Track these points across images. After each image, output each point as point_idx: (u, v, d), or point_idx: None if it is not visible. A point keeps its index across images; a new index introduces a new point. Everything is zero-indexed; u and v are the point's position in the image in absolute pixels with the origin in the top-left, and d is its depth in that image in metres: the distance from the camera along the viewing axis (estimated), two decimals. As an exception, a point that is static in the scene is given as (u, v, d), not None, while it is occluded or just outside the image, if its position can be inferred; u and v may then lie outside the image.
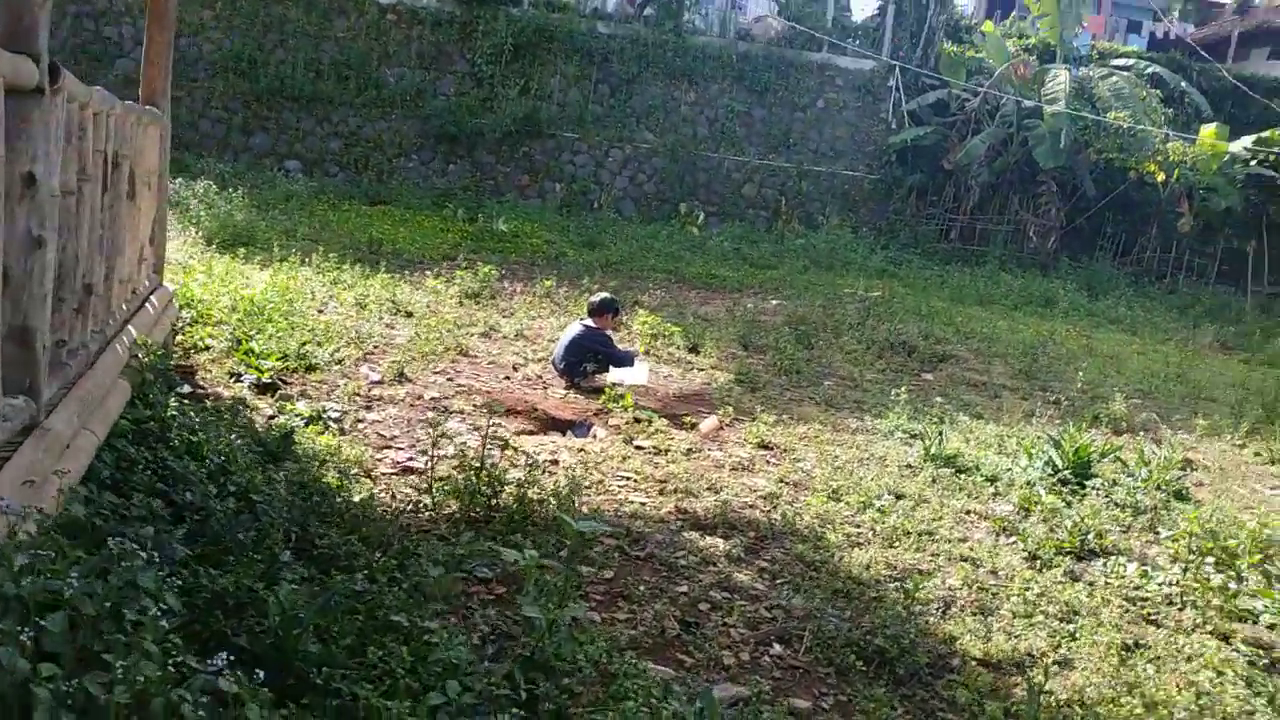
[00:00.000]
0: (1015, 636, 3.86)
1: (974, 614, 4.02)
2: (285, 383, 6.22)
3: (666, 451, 5.84)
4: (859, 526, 4.91)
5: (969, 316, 14.27)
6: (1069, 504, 5.67)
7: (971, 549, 4.80)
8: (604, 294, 7.73)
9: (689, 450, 5.97)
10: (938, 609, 3.89)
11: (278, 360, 6.40)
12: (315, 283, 9.93)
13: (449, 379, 7.11)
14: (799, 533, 4.67)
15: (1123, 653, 3.79)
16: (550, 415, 6.57)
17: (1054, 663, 3.68)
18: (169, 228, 11.00)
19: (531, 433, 6.17)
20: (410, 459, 5.07)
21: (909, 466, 6.22)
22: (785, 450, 6.27)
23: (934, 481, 5.87)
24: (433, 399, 6.46)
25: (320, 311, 8.78)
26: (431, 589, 3.01)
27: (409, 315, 9.18)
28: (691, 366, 8.90)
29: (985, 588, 4.28)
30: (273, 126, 19.11)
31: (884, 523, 4.94)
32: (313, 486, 4.06)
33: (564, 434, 6.48)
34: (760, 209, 21.60)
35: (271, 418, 5.44)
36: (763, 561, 4.27)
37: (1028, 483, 5.96)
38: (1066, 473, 5.95)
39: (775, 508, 4.98)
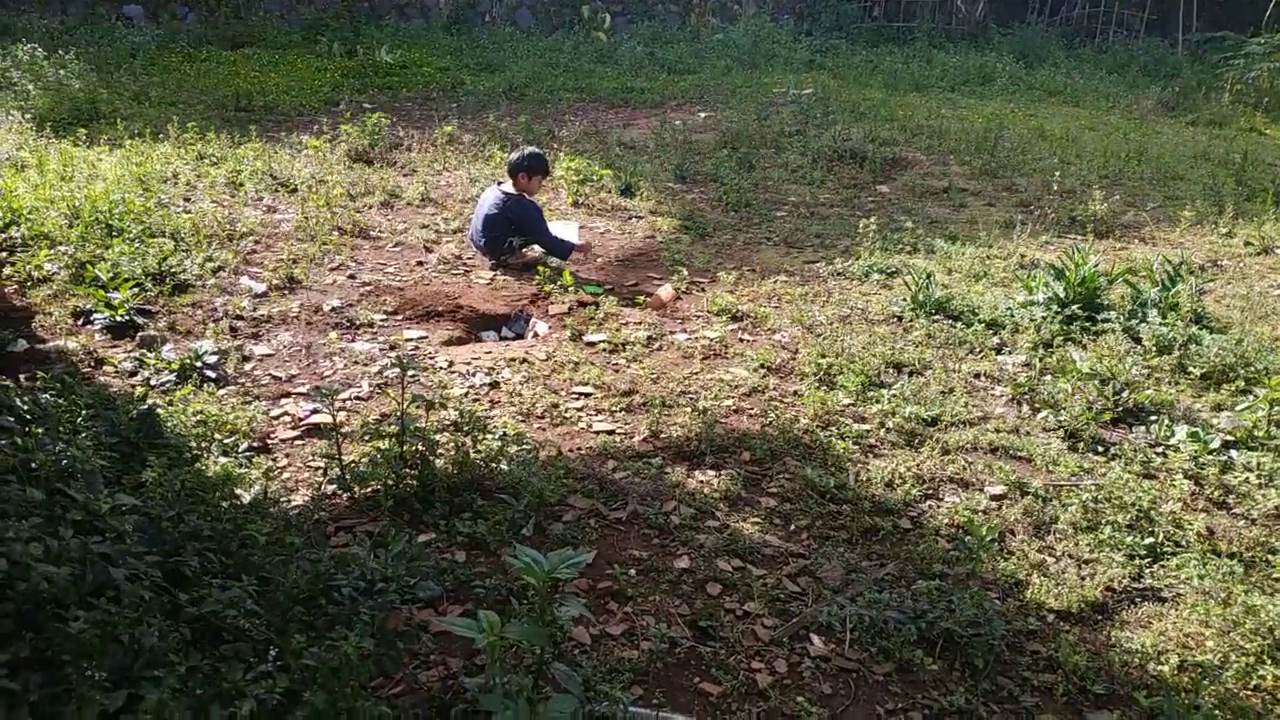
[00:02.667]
0: (1086, 565, 3.21)
1: (1030, 536, 3.36)
2: (148, 315, 5.06)
3: (624, 346, 4.94)
4: (865, 422, 4.16)
5: (909, 107, 13.23)
6: (1084, 346, 5.00)
7: (998, 432, 4.11)
8: (527, 149, 6.50)
9: (649, 338, 5.08)
10: (991, 540, 3.21)
11: (135, 286, 5.20)
12: (176, 161, 8.41)
13: (350, 275, 5.98)
14: (801, 445, 3.89)
15: (1224, 576, 3.14)
16: (478, 311, 5.56)
17: (1141, 597, 3.06)
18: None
19: (460, 340, 5.18)
20: (315, 409, 4.08)
21: (897, 318, 5.45)
22: (756, 319, 5.42)
23: (930, 338, 5.12)
24: (333, 309, 5.37)
25: (186, 200, 7.39)
26: (357, 670, 2.17)
27: (292, 190, 7.83)
28: (629, 215, 7.85)
29: (1031, 490, 3.61)
30: (99, -36, 16.26)
31: (891, 410, 4.19)
32: (186, 493, 3.10)
33: (498, 332, 5.51)
34: (669, 4, 19.65)
35: (132, 375, 4.35)
36: (768, 497, 3.51)
37: (1033, 323, 5.25)
38: (1075, 307, 5.25)
39: (765, 412, 4.18)
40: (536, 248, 6.53)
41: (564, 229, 6.69)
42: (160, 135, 9.16)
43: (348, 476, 3.31)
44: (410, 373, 3.46)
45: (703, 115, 12.48)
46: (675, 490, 3.49)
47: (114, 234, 6.11)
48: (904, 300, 5.62)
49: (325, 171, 8.35)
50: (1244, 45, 17.19)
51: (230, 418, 3.82)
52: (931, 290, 5.52)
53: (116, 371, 4.38)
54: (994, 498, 3.55)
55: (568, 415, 4.14)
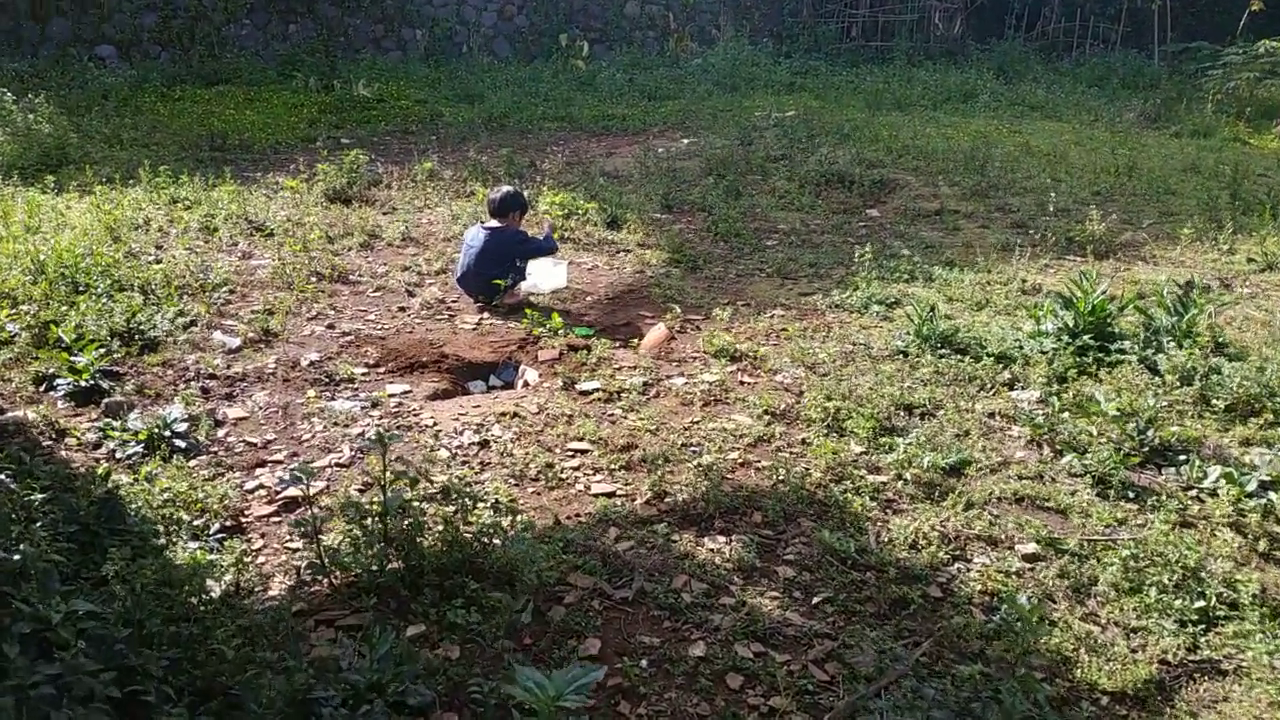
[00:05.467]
0: (1135, 634, 2.97)
1: (1071, 602, 3.12)
2: (114, 377, 4.77)
3: (620, 394, 4.69)
4: (880, 473, 3.92)
5: (893, 127, 13.12)
6: (1100, 379, 4.78)
7: (1021, 479, 3.88)
8: (505, 188, 6.27)
9: (645, 384, 4.83)
10: (1030, 599, 2.95)
11: (100, 348, 4.91)
12: (148, 207, 8.14)
13: (329, 325, 5.72)
14: (815, 502, 3.65)
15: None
16: (464, 359, 5.30)
17: (1200, 670, 2.83)
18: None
19: (446, 393, 4.92)
20: (291, 480, 3.80)
21: (902, 354, 5.22)
22: (756, 359, 5.18)
23: (939, 375, 4.89)
24: (311, 363, 5.10)
25: (158, 248, 7.12)
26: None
27: (268, 235, 7.56)
28: (616, 248, 7.63)
29: (1065, 548, 3.37)
30: (70, 7, 15.97)
31: (907, 460, 3.95)
32: (149, 590, 2.82)
33: (486, 382, 5.25)
34: (648, 29, 19.60)
35: (96, 446, 4.07)
36: (785, 566, 3.25)
37: (1043, 355, 5.04)
38: (1086, 337, 5.04)
39: (774, 466, 3.93)
40: (523, 286, 6.29)
41: (554, 269, 6.46)
42: (132, 180, 8.89)
43: (327, 562, 3.03)
44: (392, 436, 3.19)
45: (685, 141, 12.32)
46: (684, 562, 3.23)
47: (80, 289, 5.83)
48: (907, 334, 5.40)
49: (302, 213, 8.10)
50: (1221, 55, 17.24)
51: (200, 495, 3.54)
52: (936, 323, 5.31)
53: (79, 444, 4.09)
54: (1026, 558, 3.31)
55: (563, 476, 3.88)
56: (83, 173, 9.01)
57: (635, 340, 5.54)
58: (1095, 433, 4.09)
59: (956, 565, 3.28)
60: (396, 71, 16.32)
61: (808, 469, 3.92)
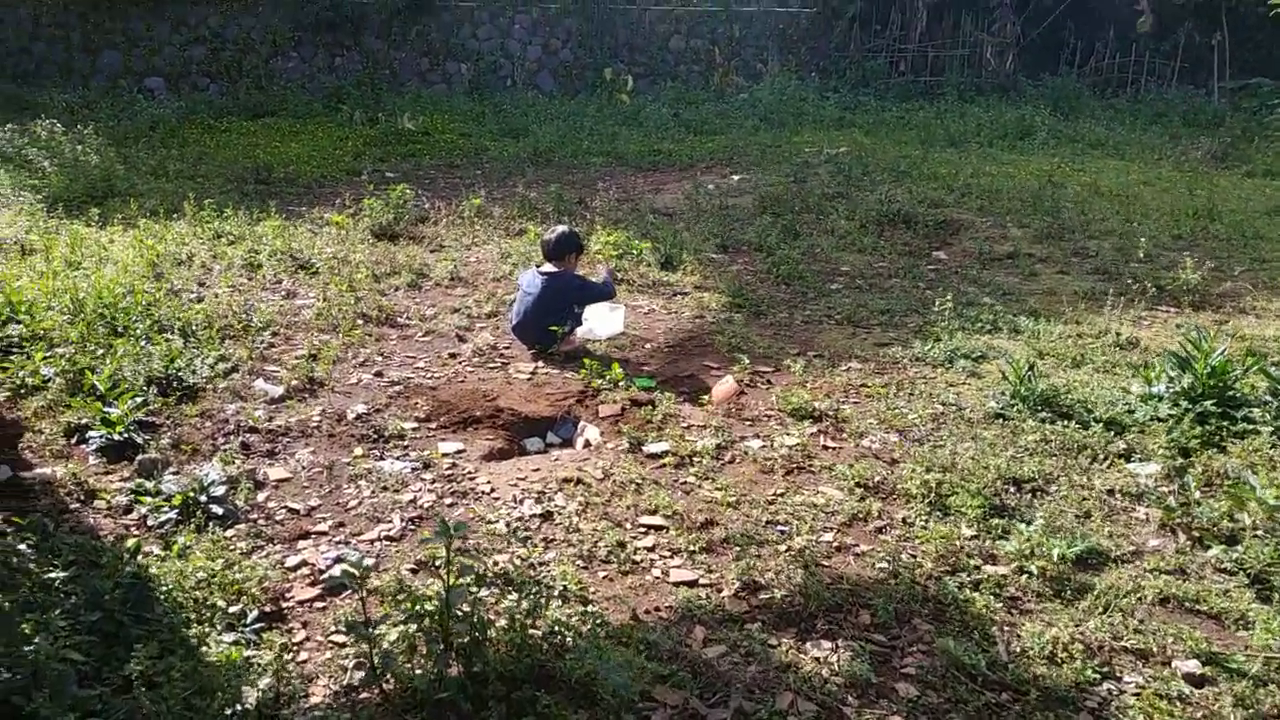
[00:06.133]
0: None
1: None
2: (150, 429, 4.45)
3: (691, 459, 4.28)
4: (997, 562, 3.46)
5: (950, 164, 12.70)
6: (1228, 453, 4.29)
7: (1158, 573, 3.40)
8: (559, 228, 5.93)
9: (718, 447, 4.41)
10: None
11: (136, 396, 4.60)
12: (192, 241, 7.92)
13: (376, 373, 5.38)
14: (930, 600, 3.20)
15: None
16: (520, 414, 4.93)
17: None
18: (-10, 196, 8.79)
19: (502, 452, 4.53)
20: (340, 555, 3.43)
21: (1000, 418, 4.76)
22: (838, 421, 4.75)
23: (1045, 442, 4.43)
24: (358, 416, 4.75)
25: (201, 285, 6.86)
26: None
27: (313, 272, 7.29)
28: (672, 291, 7.25)
29: (1234, 666, 2.89)
30: (121, 40, 16.11)
31: (1029, 548, 3.48)
32: (178, 695, 2.44)
33: (543, 439, 4.87)
34: (693, 64, 19.41)
35: (127, 511, 3.73)
36: (906, 682, 2.80)
37: (1159, 422, 4.56)
38: (1208, 403, 4.55)
39: (875, 552, 3.49)
40: (579, 332, 5.93)
41: (611, 314, 6.09)
42: (176, 213, 8.70)
43: (379, 665, 2.64)
44: (459, 526, 2.80)
45: (736, 178, 11.98)
46: (788, 675, 2.79)
47: (119, 332, 5.55)
48: (1003, 394, 4.95)
49: (348, 250, 7.83)
50: (1285, 92, 16.65)
51: (237, 576, 3.16)
52: (1035, 383, 4.85)
53: (109, 508, 3.75)
54: (1188, 678, 2.84)
55: (637, 559, 3.46)
56: (128, 206, 8.84)
57: (704, 396, 5.12)
58: (1248, 521, 3.60)
59: (1106, 685, 2.81)
60: (441, 105, 16.22)
61: (915, 558, 3.47)
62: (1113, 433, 4.49)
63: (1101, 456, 4.32)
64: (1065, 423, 4.60)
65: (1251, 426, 4.42)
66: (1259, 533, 3.53)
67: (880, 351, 5.89)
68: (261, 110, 15.08)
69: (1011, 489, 4.00)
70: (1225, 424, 4.48)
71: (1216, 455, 4.26)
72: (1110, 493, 4.01)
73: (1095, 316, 6.48)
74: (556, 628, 2.80)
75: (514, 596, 3.01)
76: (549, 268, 5.81)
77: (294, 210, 9.21)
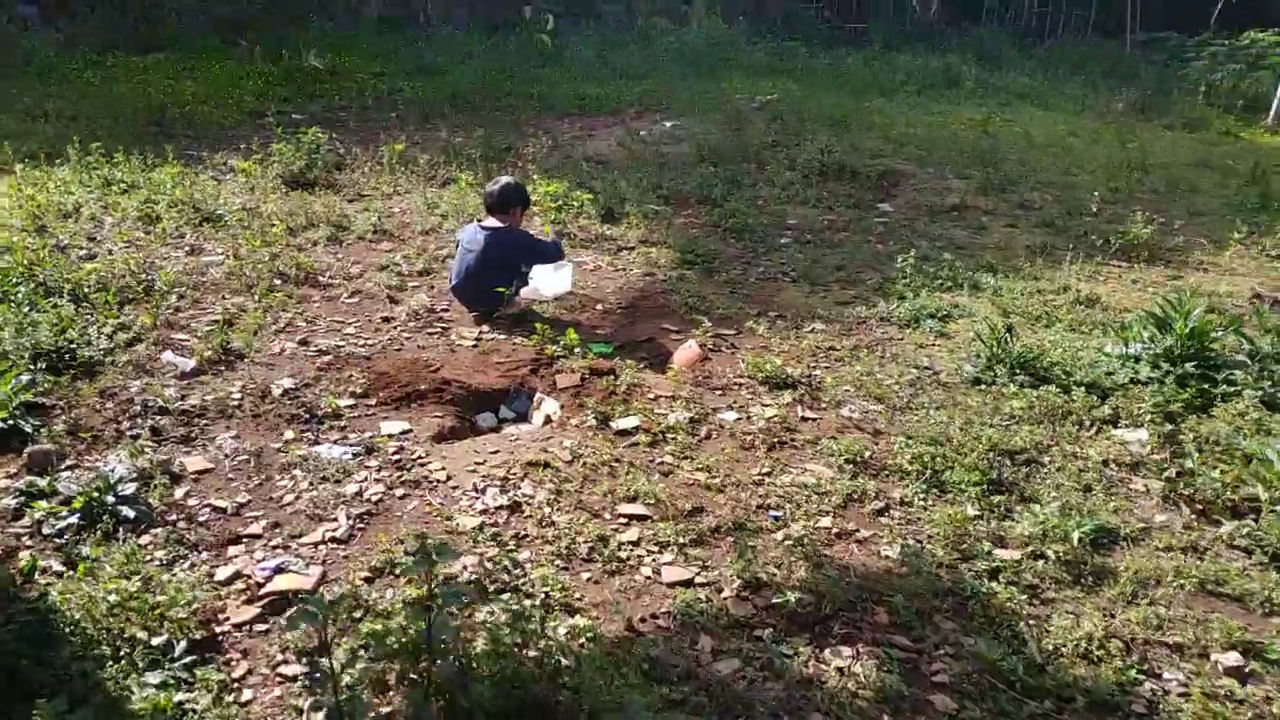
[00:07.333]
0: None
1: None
2: (41, 412, 3.85)
3: (665, 435, 3.93)
4: (1007, 545, 3.23)
5: (884, 114, 12.51)
6: (1211, 414, 4.16)
7: (1170, 551, 3.22)
8: (503, 179, 5.40)
9: (691, 420, 4.07)
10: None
11: (21, 374, 3.97)
12: (78, 190, 7.08)
13: (301, 341, 4.83)
14: (948, 593, 2.93)
15: None
16: (469, 387, 4.47)
17: None
18: None
19: (454, 432, 4.09)
20: (279, 567, 2.97)
21: (979, 383, 4.55)
22: (811, 388, 4.46)
23: (1031, 409, 4.22)
24: (285, 392, 4.23)
25: (91, 240, 6.11)
26: None
27: (220, 225, 6.59)
28: (617, 245, 6.82)
29: (1274, 657, 2.70)
30: (-18, -43, 14.44)
31: (1040, 530, 3.25)
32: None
33: (496, 414, 4.44)
34: (615, 4, 18.66)
35: (17, 517, 3.16)
36: (939, 693, 2.52)
37: (1142, 385, 4.41)
38: (1188, 365, 4.41)
39: (876, 535, 3.21)
40: (524, 292, 5.47)
41: (557, 273, 5.64)
42: (59, 158, 7.79)
43: (344, 707, 2.22)
44: (440, 545, 2.38)
45: (668, 124, 11.52)
46: (812, 691, 2.48)
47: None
48: (977, 356, 4.74)
49: (258, 200, 7.13)
50: (1205, 45, 16.98)
51: (158, 598, 2.68)
52: (1011, 345, 4.64)
53: (-6, 512, 3.18)
54: (1230, 671, 2.65)
55: (622, 555, 3.10)
56: (1, 148, 7.87)
57: (667, 362, 4.76)
58: (1261, 495, 3.44)
59: (1148, 684, 2.60)
60: (349, 41, 15.18)
61: (923, 544, 3.20)
62: (1095, 397, 4.32)
63: (1088, 423, 4.14)
64: (1046, 387, 4.40)
65: (1234, 389, 4.30)
66: (1276, 508, 3.38)
67: (843, 311, 5.62)
68: (151, 44, 13.82)
69: (1006, 462, 3.77)
70: (1206, 386, 4.35)
71: (1204, 419, 4.12)
72: (1105, 463, 3.82)
73: (1053, 272, 6.34)
74: (548, 649, 2.43)
75: (490, 609, 2.62)
76: (492, 222, 5.30)
77: (193, 155, 8.38)
